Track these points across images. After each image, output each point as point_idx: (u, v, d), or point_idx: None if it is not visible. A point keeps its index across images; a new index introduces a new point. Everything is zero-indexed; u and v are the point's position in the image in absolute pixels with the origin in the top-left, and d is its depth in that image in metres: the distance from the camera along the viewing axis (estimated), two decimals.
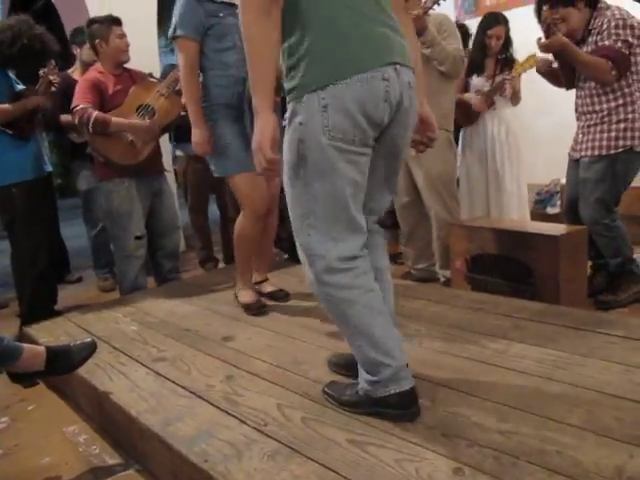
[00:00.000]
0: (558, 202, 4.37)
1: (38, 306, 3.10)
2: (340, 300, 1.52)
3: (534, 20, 2.89)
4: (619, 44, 2.59)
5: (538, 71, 3.08)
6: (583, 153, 2.80)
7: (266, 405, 1.73)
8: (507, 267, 2.75)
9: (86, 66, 3.63)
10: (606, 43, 2.61)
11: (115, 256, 3.37)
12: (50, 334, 2.62)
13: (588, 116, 2.80)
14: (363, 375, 1.60)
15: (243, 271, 2.72)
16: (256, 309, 2.65)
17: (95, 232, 4.03)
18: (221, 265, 4.07)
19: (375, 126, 1.48)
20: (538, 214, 4.30)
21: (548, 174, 4.59)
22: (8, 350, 1.80)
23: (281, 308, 2.69)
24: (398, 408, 1.56)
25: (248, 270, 2.74)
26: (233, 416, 1.69)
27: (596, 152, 2.73)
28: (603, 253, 2.84)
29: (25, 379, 1.94)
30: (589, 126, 2.78)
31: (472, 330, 2.17)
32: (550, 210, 4.34)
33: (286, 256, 4.19)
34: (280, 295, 2.82)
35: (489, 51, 3.49)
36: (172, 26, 2.46)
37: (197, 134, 2.50)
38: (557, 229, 2.80)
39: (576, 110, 2.91)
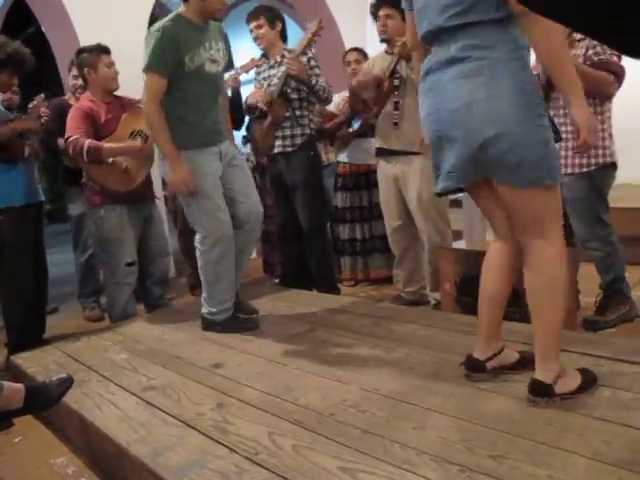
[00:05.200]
0: None
1: (26, 335, 3.06)
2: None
3: None
4: (615, 57, 2.58)
5: None
6: (563, 170, 2.73)
7: (257, 433, 1.72)
8: None
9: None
10: (603, 58, 2.58)
11: (105, 283, 3.36)
12: (39, 363, 2.60)
13: (564, 131, 2.70)
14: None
15: (559, 337, 1.73)
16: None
17: (84, 258, 4.00)
18: None
19: None
20: None
21: None
22: None
23: (271, 334, 2.67)
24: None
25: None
26: (224, 445, 1.68)
27: (570, 170, 2.75)
28: (596, 268, 2.83)
29: (1, 420, 1.85)
30: (567, 140, 2.71)
31: (462, 354, 2.15)
32: None
33: (276, 281, 4.19)
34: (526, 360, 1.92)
35: None
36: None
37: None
38: None
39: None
